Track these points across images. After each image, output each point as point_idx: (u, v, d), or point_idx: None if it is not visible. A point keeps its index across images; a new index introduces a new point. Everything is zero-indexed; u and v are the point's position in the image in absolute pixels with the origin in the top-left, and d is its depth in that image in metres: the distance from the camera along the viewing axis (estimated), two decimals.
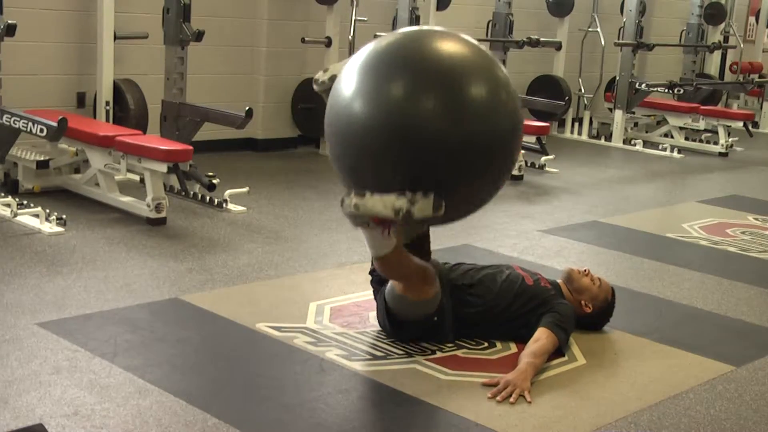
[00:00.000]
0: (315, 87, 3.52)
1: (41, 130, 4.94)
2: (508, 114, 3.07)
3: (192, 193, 5.70)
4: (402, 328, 3.59)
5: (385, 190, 2.98)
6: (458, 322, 3.60)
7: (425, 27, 3.43)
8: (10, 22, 4.94)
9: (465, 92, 2.98)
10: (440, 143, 2.92)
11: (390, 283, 3.53)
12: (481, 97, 3.01)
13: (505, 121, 3.05)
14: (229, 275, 4.32)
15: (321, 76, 3.49)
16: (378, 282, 3.69)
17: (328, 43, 7.49)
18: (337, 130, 3.09)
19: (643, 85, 9.21)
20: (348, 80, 3.07)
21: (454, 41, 3.09)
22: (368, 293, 3.93)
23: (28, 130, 4.99)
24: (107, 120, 6.07)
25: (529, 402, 3.13)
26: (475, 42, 3.16)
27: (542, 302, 3.63)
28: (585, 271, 3.84)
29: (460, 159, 2.96)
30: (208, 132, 6.44)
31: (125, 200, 5.28)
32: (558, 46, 9.15)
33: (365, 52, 3.13)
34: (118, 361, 3.23)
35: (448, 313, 3.57)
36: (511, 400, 3.12)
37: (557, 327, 3.51)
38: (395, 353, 3.48)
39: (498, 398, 3.13)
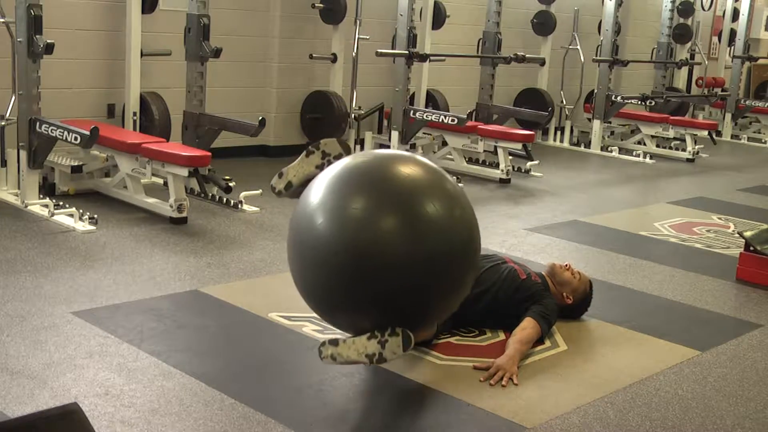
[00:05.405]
0: (274, 193, 3.22)
1: (75, 138, 4.94)
2: (463, 228, 2.85)
3: (210, 194, 5.70)
4: None
5: (347, 309, 2.80)
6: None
7: (378, 152, 3.21)
8: (48, 41, 4.93)
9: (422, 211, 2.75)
10: (402, 263, 2.69)
11: None
12: (437, 214, 2.76)
13: (461, 235, 2.83)
14: (244, 269, 4.32)
15: (277, 183, 3.18)
16: None
17: (334, 59, 7.49)
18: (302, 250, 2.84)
19: (619, 98, 9.21)
20: (312, 201, 2.84)
21: (406, 163, 2.88)
22: None
23: (64, 138, 4.99)
24: (134, 129, 6.06)
25: (517, 384, 3.13)
26: (425, 160, 2.97)
27: (532, 295, 3.63)
28: (566, 266, 3.84)
29: (423, 280, 2.73)
30: (225, 140, 6.44)
31: (150, 201, 5.28)
32: (542, 62, 9.13)
33: (329, 174, 2.88)
34: (144, 346, 3.24)
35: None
36: (503, 383, 3.12)
37: (542, 318, 3.52)
38: None
39: (491, 382, 3.13)
